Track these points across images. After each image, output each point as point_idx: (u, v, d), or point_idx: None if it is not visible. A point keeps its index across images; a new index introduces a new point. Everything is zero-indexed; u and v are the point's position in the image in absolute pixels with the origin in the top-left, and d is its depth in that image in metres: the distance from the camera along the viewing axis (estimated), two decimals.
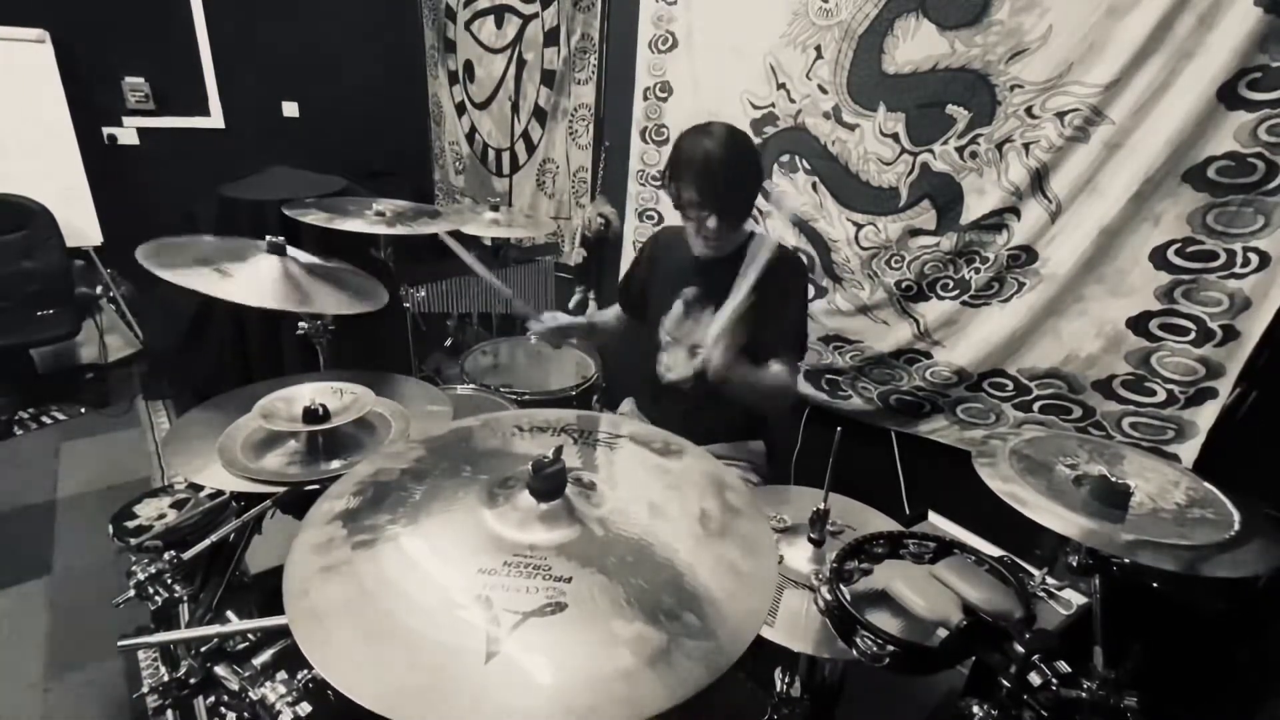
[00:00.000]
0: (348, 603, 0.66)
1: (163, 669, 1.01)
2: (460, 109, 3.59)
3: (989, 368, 1.79)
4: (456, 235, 2.32)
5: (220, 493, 1.24)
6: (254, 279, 1.43)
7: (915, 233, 1.83)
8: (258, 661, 0.95)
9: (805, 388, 2.17)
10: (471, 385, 2.06)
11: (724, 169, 1.35)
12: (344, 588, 0.67)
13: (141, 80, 3.12)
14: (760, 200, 2.13)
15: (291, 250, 1.53)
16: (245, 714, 0.94)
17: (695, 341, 1.55)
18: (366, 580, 0.68)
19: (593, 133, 2.80)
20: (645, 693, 0.58)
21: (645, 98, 2.47)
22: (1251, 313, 1.39)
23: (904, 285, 1.89)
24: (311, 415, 1.17)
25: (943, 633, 0.83)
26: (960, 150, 1.70)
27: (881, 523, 1.21)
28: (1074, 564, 1.10)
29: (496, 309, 2.76)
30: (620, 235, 2.78)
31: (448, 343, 3.03)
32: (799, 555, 1.08)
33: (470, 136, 3.57)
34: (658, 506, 0.81)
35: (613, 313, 1.86)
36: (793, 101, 2.00)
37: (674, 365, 1.60)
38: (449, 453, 0.93)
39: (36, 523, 2.32)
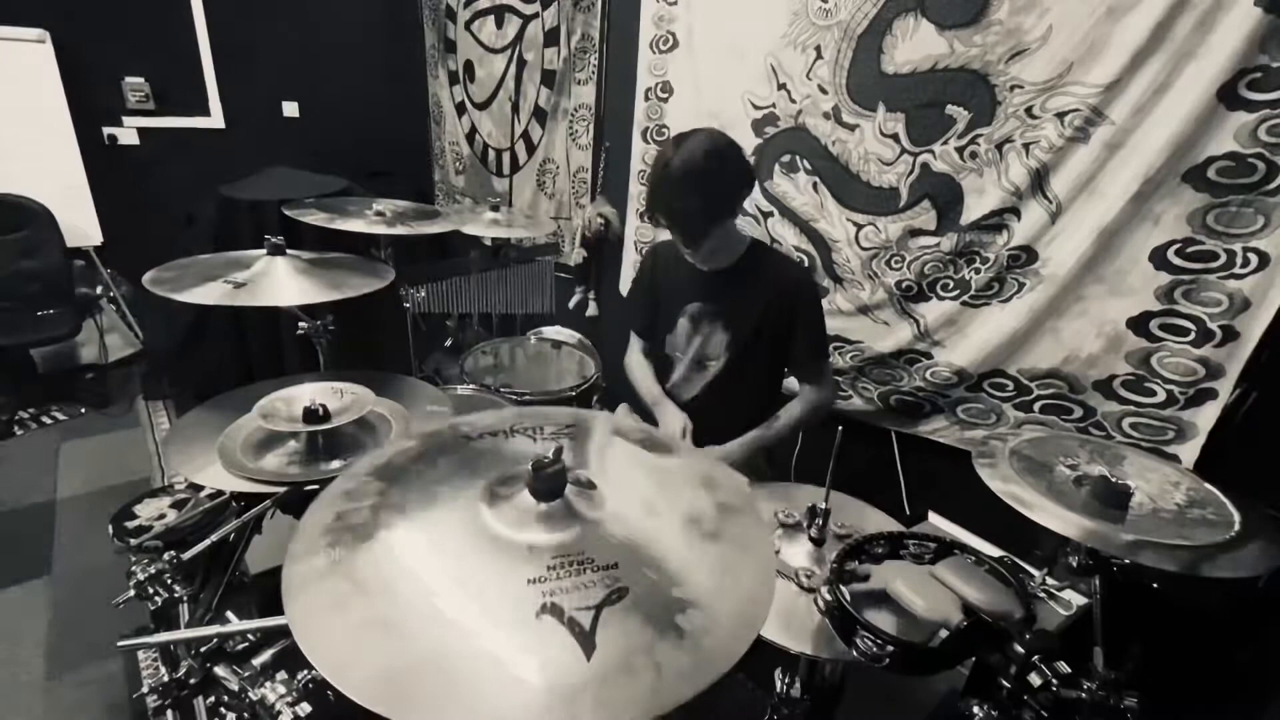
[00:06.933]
0: (409, 667, 0.59)
1: (163, 669, 1.01)
2: (460, 109, 3.59)
3: (989, 368, 1.79)
4: (457, 232, 2.32)
5: (220, 493, 1.24)
6: (272, 281, 1.44)
7: (915, 233, 1.83)
8: (258, 661, 0.96)
9: None
10: (471, 385, 2.07)
11: (669, 181, 1.34)
12: (389, 646, 0.61)
13: (141, 80, 3.12)
14: (760, 200, 2.15)
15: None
16: (245, 714, 0.94)
17: (704, 355, 1.55)
18: (427, 640, 0.62)
19: (593, 133, 2.80)
20: (727, 637, 0.63)
21: (646, 98, 2.48)
22: (1251, 313, 1.39)
23: (904, 285, 1.89)
24: (311, 415, 1.17)
25: (943, 633, 0.83)
26: (960, 150, 1.69)
27: (882, 523, 1.21)
28: (1074, 564, 1.11)
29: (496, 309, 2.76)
30: (620, 235, 2.78)
31: (448, 343, 3.03)
32: (799, 554, 1.08)
33: (470, 137, 3.57)
34: (651, 504, 0.81)
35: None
36: (793, 102, 2.00)
37: (686, 381, 1.61)
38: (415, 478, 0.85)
39: (36, 523, 2.31)
